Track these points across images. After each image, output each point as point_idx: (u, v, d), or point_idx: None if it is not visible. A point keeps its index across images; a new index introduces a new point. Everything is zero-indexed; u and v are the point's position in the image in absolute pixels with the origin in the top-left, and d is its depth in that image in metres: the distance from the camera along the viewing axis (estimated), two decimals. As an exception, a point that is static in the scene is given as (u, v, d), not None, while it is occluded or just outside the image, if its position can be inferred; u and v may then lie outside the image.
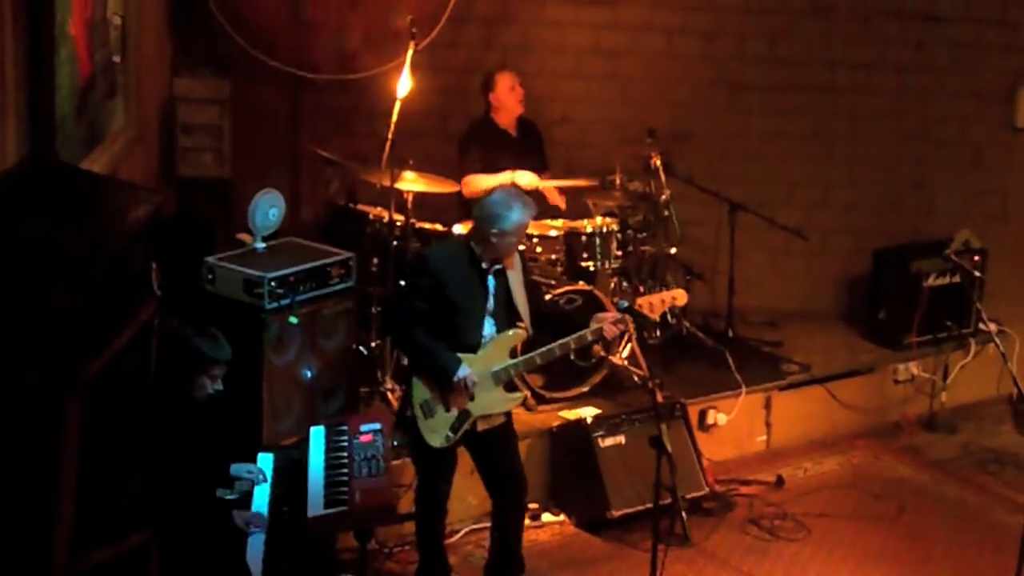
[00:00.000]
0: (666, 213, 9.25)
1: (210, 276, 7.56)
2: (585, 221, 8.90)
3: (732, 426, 8.98)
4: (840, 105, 10.31)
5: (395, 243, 8.42)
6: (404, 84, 8.38)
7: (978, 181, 10.47)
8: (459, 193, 8.87)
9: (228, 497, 6.16)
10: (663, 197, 9.23)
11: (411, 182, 8.47)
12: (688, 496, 8.10)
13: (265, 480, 6.33)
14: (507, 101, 9.06)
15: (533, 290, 7.31)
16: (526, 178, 8.81)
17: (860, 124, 10.35)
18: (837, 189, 10.44)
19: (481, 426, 7.03)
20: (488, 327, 7.00)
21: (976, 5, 10.18)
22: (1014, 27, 10.20)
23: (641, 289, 9.04)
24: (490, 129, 9.09)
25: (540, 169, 9.09)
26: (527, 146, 9.14)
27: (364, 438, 6.55)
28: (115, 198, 5.61)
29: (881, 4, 10.18)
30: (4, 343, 4.67)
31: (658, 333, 9.30)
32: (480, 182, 8.84)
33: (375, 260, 8.51)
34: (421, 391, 6.94)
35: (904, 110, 10.34)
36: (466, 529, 7.90)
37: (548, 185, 9.09)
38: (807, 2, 10.15)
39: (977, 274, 9.58)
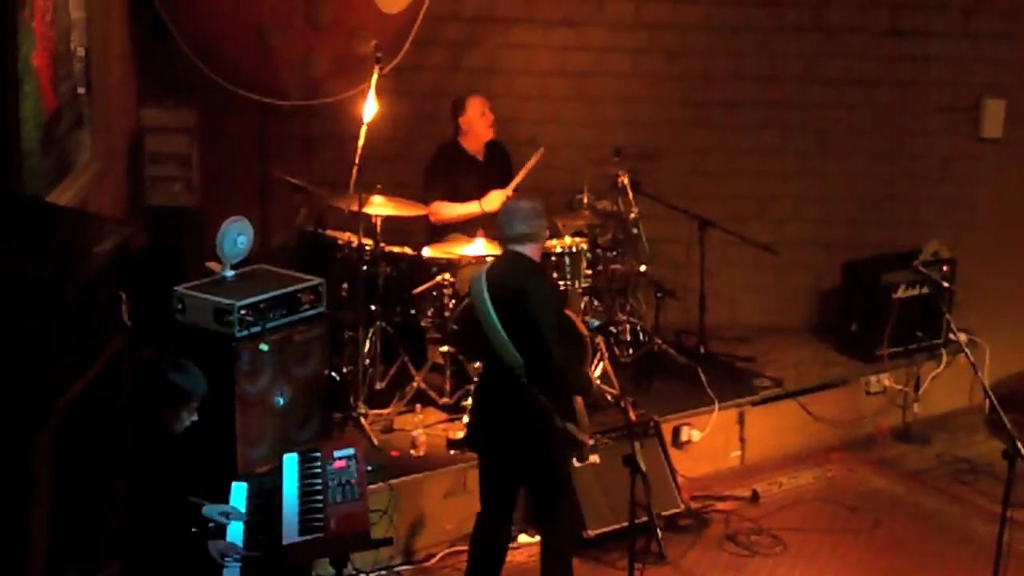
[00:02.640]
0: (635, 231, 9.27)
1: (180, 305, 7.52)
2: (554, 241, 8.84)
3: (706, 442, 8.99)
4: (808, 120, 10.35)
5: (364, 268, 8.42)
6: (370, 108, 8.37)
7: (947, 192, 10.50)
8: (428, 217, 8.88)
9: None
10: (631, 215, 9.25)
11: (379, 206, 8.48)
12: (664, 514, 8.12)
13: (239, 518, 6.28)
14: (477, 126, 9.02)
15: None
16: (494, 202, 8.78)
17: (829, 138, 10.40)
18: (807, 203, 10.46)
19: None
20: None
21: (938, 19, 10.23)
22: (975, 39, 10.26)
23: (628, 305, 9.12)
24: (457, 155, 9.04)
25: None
26: (494, 170, 9.08)
27: (338, 464, 6.53)
28: (82, 230, 5.61)
29: (846, 20, 10.22)
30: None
31: (630, 351, 9.30)
32: (449, 210, 8.87)
33: (345, 285, 8.51)
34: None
35: (871, 123, 10.39)
36: (443, 552, 7.90)
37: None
38: (772, 19, 10.18)
39: (946, 285, 9.61)
